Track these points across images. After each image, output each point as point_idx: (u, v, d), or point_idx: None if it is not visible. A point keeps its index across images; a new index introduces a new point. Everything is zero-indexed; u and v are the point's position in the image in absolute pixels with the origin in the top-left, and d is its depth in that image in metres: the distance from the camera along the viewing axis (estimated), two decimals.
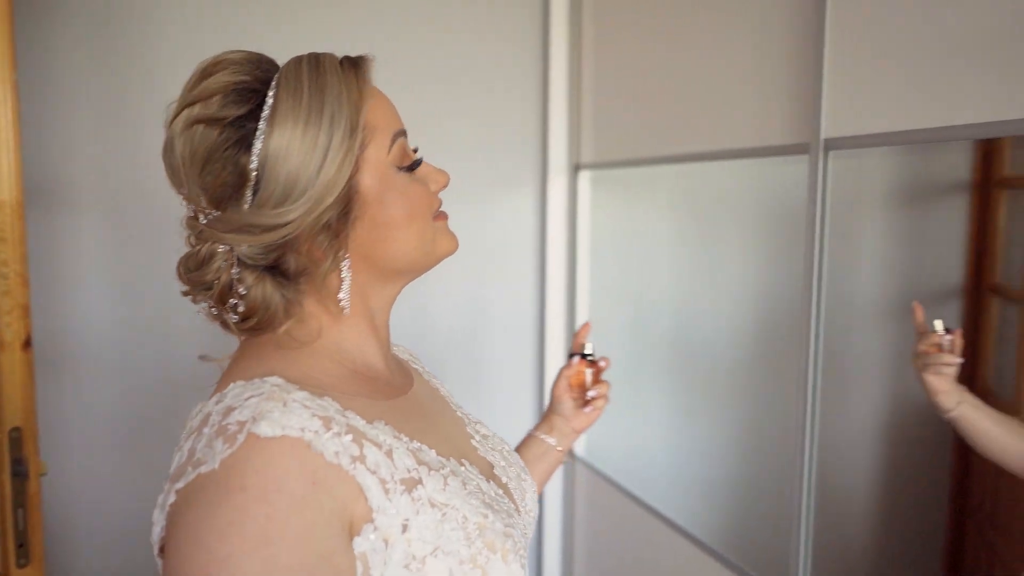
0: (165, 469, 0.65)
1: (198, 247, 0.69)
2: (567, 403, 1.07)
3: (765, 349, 1.91)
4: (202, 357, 0.75)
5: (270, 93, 0.68)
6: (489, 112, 2.02)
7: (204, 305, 0.71)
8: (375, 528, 0.62)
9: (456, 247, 0.80)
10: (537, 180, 2.09)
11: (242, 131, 0.67)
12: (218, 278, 0.68)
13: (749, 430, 1.97)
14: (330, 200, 0.67)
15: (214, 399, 0.65)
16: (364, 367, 0.76)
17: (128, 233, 1.72)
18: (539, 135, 2.08)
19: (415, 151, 0.78)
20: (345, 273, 0.72)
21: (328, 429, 0.63)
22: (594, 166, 2.00)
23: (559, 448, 1.05)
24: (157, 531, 0.62)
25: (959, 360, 1.22)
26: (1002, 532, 1.62)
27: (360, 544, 0.62)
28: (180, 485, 0.60)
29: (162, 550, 0.62)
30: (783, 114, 1.35)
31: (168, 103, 0.70)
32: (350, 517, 0.62)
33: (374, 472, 0.64)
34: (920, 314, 1.27)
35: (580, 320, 2.06)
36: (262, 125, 0.66)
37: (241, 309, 0.69)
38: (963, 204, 1.70)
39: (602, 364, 1.08)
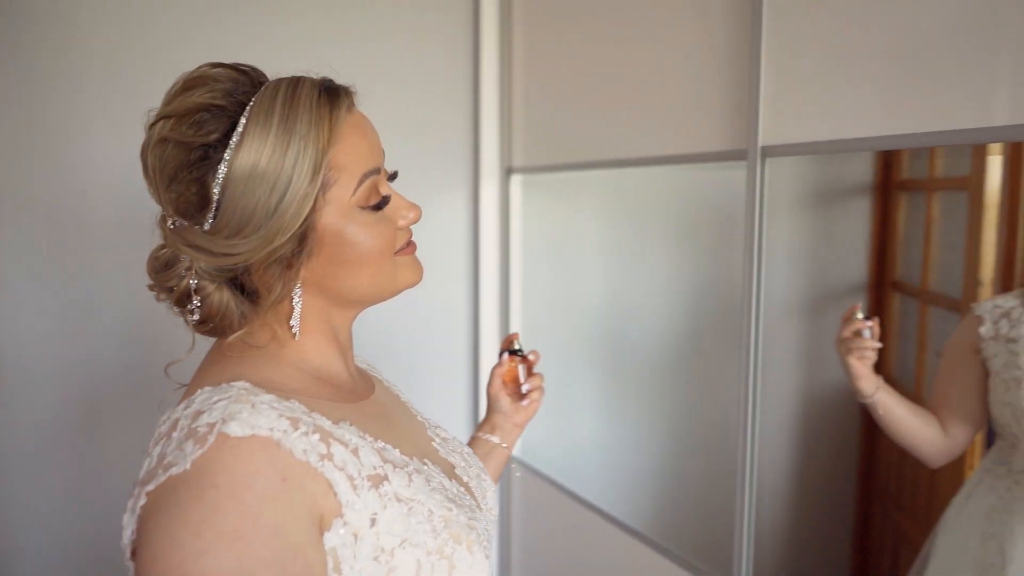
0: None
1: (164, 249, 0.71)
2: (504, 400, 1.10)
3: (699, 347, 1.99)
4: (168, 366, 0.75)
5: (242, 120, 0.68)
6: (420, 117, 2.03)
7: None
8: (345, 523, 0.64)
9: (419, 279, 0.82)
10: (469, 184, 2.11)
11: (210, 156, 0.68)
12: (178, 284, 0.70)
13: (684, 425, 2.05)
14: (282, 240, 0.68)
15: (182, 405, 0.66)
16: (327, 375, 0.78)
17: (53, 240, 1.64)
18: (470, 139, 2.10)
19: (394, 175, 0.79)
20: (297, 301, 0.74)
21: (296, 429, 0.64)
22: (526, 170, 2.03)
23: (504, 445, 1.08)
24: (128, 535, 0.62)
25: (879, 345, 1.31)
26: (906, 512, 1.75)
27: (330, 539, 0.64)
28: (151, 487, 0.60)
29: (133, 554, 0.61)
30: (721, 121, 1.38)
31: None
32: (320, 512, 0.63)
33: (342, 469, 0.65)
34: (857, 307, 1.34)
35: (514, 323, 2.10)
36: (227, 154, 0.67)
37: (197, 316, 0.71)
38: (866, 206, 1.83)
39: (531, 357, 1.12)
